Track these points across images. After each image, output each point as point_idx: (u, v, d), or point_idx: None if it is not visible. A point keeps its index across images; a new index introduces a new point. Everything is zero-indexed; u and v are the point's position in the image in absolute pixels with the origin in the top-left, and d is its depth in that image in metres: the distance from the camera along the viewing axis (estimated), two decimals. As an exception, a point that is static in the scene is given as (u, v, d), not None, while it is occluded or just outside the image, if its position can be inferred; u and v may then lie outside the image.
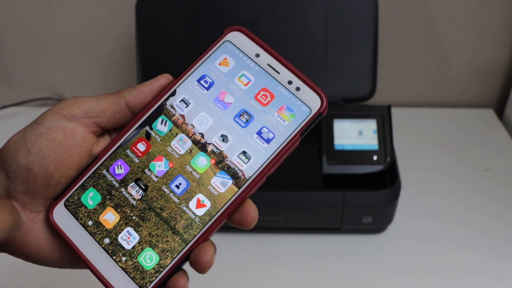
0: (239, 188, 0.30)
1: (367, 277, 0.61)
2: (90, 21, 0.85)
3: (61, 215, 0.30)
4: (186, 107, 0.32)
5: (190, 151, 0.31)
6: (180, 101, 0.32)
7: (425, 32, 0.84)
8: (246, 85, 0.31)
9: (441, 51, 0.86)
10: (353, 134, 0.65)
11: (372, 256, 0.63)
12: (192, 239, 0.30)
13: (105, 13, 0.84)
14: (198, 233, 0.30)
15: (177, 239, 0.30)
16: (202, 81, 0.32)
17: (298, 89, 0.31)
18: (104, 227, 0.30)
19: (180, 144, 0.31)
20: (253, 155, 0.30)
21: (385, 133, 0.64)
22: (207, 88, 0.32)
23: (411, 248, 0.64)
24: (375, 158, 0.63)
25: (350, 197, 0.61)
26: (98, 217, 0.30)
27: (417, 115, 0.88)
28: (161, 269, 0.29)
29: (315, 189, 0.63)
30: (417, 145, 0.81)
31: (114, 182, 0.31)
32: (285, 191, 0.62)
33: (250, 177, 0.30)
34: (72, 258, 0.31)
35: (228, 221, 0.31)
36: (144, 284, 0.29)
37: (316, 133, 0.67)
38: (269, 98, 0.31)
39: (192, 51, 0.73)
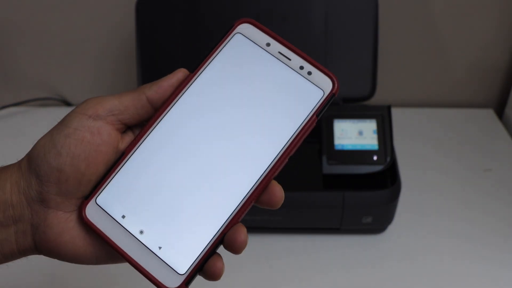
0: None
1: (367, 277, 0.61)
2: (90, 21, 0.85)
3: (94, 212, 0.31)
4: (206, 95, 0.33)
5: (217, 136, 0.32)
6: (201, 90, 0.33)
7: (425, 32, 0.84)
8: (261, 73, 0.33)
9: (441, 51, 0.86)
10: (353, 134, 0.65)
11: (372, 256, 0.63)
12: (225, 222, 0.31)
13: (105, 13, 0.84)
14: (230, 216, 0.31)
15: (211, 222, 0.31)
16: (219, 71, 0.33)
17: (309, 73, 0.33)
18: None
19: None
20: (276, 137, 0.32)
21: (385, 133, 0.64)
22: (225, 77, 0.33)
23: (411, 248, 0.64)
24: (375, 158, 0.63)
25: (350, 197, 0.61)
26: (129, 210, 0.31)
27: (417, 115, 0.88)
28: (198, 254, 0.30)
29: (315, 189, 0.63)
30: (417, 145, 0.81)
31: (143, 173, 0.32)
32: (285, 191, 0.62)
33: (274, 159, 0.32)
34: (108, 253, 0.31)
35: (257, 203, 0.32)
36: (183, 270, 0.30)
37: (316, 133, 0.67)
38: (284, 84, 0.33)
39: (192, 51, 0.73)
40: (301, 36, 0.73)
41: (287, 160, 0.32)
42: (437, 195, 0.72)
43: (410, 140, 0.81)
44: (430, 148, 0.80)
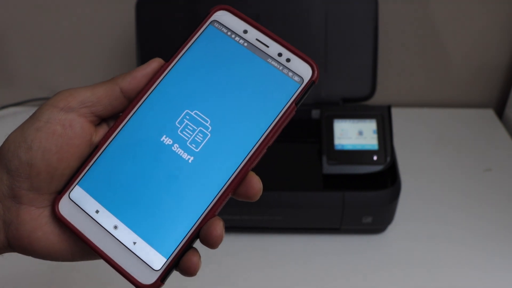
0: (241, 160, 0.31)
1: (367, 277, 0.61)
2: (90, 21, 0.85)
3: (67, 207, 0.30)
4: (181, 86, 0.32)
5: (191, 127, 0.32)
6: (175, 80, 0.32)
7: (425, 32, 0.84)
8: (237, 61, 0.32)
9: (441, 51, 0.86)
10: (353, 134, 0.65)
11: (372, 256, 0.63)
12: (201, 215, 0.30)
13: (105, 13, 0.84)
14: (206, 209, 0.30)
15: (186, 216, 0.30)
16: (193, 61, 0.32)
17: (288, 60, 0.32)
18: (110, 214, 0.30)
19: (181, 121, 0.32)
20: (253, 127, 0.31)
21: (385, 133, 0.64)
22: (200, 67, 0.32)
23: (411, 248, 0.64)
24: (375, 158, 0.63)
25: (350, 197, 0.61)
26: (103, 205, 0.31)
27: (417, 115, 0.88)
28: (173, 249, 0.30)
29: (315, 189, 0.63)
30: (417, 145, 0.81)
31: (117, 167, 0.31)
32: (285, 191, 0.62)
33: (251, 148, 0.31)
34: (83, 249, 0.31)
35: (234, 195, 0.31)
36: (158, 265, 0.29)
37: (316, 133, 0.67)
38: (261, 72, 0.32)
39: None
40: (301, 36, 0.73)
41: (265, 150, 0.31)
42: (437, 195, 0.72)
43: (410, 140, 0.81)
44: (430, 148, 0.80)
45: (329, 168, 0.63)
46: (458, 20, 0.83)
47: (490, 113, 0.89)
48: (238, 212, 0.62)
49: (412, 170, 0.74)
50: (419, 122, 0.86)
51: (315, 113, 0.72)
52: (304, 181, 0.64)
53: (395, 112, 0.71)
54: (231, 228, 0.65)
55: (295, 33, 0.72)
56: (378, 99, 0.75)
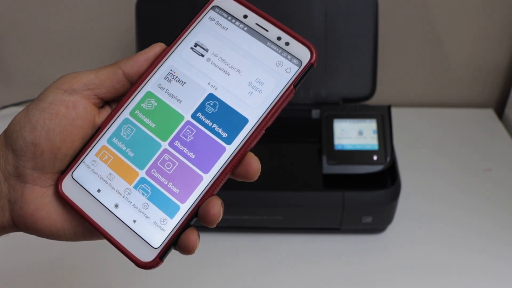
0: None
1: (367, 277, 0.61)
2: (90, 21, 0.85)
3: (70, 187, 0.31)
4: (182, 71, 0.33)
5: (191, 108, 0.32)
6: (177, 65, 0.33)
7: (425, 32, 0.84)
8: (237, 44, 0.33)
9: (441, 51, 0.86)
10: (353, 134, 0.65)
11: (372, 256, 0.63)
12: (199, 194, 0.31)
13: (105, 13, 0.84)
14: (205, 188, 0.31)
15: (185, 195, 0.31)
16: (195, 45, 0.33)
17: (287, 43, 0.32)
18: (113, 193, 0.31)
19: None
20: (252, 108, 0.32)
21: (385, 133, 0.64)
22: (200, 51, 0.33)
23: (411, 248, 0.64)
24: (375, 158, 0.63)
25: (350, 197, 0.61)
26: (106, 184, 0.31)
27: (417, 115, 0.88)
28: (172, 227, 0.30)
29: (315, 189, 0.63)
30: (417, 145, 0.81)
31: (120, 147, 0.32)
32: (285, 191, 0.62)
33: (250, 129, 0.31)
34: (85, 229, 0.31)
35: (232, 175, 0.32)
36: (157, 243, 0.30)
37: (316, 133, 0.67)
38: (261, 55, 0.32)
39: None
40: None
41: (264, 131, 0.32)
42: (437, 195, 0.72)
43: (410, 140, 0.81)
44: (430, 148, 0.80)
45: (329, 168, 0.63)
46: (458, 20, 0.83)
47: (490, 113, 0.89)
48: (238, 212, 0.62)
49: (412, 170, 0.74)
50: (419, 122, 0.86)
51: (315, 113, 0.72)
52: (304, 181, 0.64)
53: (395, 112, 0.71)
54: (231, 228, 0.65)
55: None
56: (378, 99, 0.75)
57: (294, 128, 0.71)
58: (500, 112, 0.91)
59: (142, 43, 0.74)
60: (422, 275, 0.61)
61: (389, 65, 0.87)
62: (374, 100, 0.74)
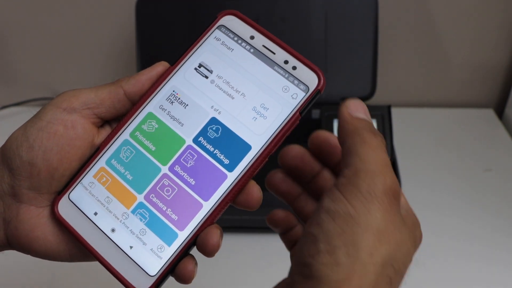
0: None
1: (367, 277, 0.61)
2: (90, 21, 0.85)
3: (66, 208, 0.30)
4: (186, 92, 0.32)
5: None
6: (180, 87, 0.32)
7: (425, 32, 0.84)
8: (243, 67, 0.31)
9: (441, 51, 0.86)
10: (353, 134, 0.65)
11: (372, 256, 0.63)
12: (199, 222, 0.30)
13: (105, 13, 0.84)
14: (204, 216, 0.30)
15: (184, 222, 0.30)
16: (199, 66, 0.32)
17: (294, 68, 0.31)
18: (110, 217, 0.30)
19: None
20: (255, 135, 0.31)
21: (385, 133, 0.64)
22: (204, 73, 0.32)
23: (411, 248, 0.64)
24: (375, 158, 0.63)
25: (350, 197, 0.61)
26: (103, 207, 0.30)
27: (417, 115, 0.88)
28: (169, 255, 0.29)
29: (315, 189, 0.63)
30: (417, 145, 0.81)
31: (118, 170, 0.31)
32: (285, 191, 0.62)
33: (253, 157, 0.30)
34: (81, 251, 0.31)
35: (234, 203, 0.31)
36: (154, 271, 0.29)
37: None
38: (267, 79, 0.31)
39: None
40: (301, 37, 0.73)
41: (267, 159, 0.31)
42: (437, 195, 0.72)
43: (410, 140, 0.81)
44: (430, 148, 0.80)
45: (329, 168, 0.63)
46: (458, 20, 0.83)
47: (490, 113, 0.89)
48: (238, 212, 0.62)
49: (412, 170, 0.74)
50: (419, 122, 0.86)
51: (315, 113, 0.72)
52: (304, 181, 0.64)
53: (395, 112, 0.71)
54: (231, 228, 0.65)
55: (295, 33, 0.72)
56: (378, 99, 0.75)
57: (294, 128, 0.71)
58: (500, 112, 0.91)
59: (142, 43, 0.74)
60: (422, 275, 0.61)
61: (389, 65, 0.87)
62: (374, 100, 0.74)
